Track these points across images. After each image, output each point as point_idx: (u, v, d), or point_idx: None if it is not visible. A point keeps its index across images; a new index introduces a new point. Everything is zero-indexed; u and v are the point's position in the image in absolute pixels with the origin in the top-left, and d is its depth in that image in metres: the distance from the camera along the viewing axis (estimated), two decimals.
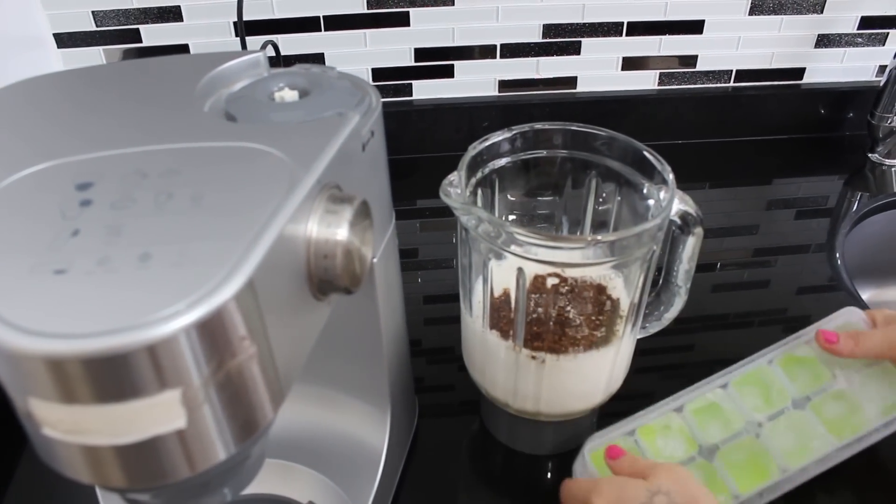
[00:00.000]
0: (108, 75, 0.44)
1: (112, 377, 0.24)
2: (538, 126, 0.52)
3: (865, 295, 0.87)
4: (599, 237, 0.45)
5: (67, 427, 0.25)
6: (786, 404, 0.49)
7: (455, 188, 0.47)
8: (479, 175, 0.51)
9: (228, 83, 0.42)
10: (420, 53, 0.91)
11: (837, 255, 0.80)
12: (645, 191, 0.50)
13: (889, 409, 0.49)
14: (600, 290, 0.52)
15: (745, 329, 0.72)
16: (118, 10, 0.84)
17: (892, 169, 0.95)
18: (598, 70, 0.95)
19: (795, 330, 0.71)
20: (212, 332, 0.25)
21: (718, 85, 0.98)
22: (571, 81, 0.96)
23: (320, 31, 0.88)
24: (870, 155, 0.96)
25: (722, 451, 0.48)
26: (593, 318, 0.51)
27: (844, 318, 0.53)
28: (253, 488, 0.36)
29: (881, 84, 0.90)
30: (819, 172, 0.97)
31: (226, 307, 0.25)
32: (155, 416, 0.25)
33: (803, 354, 0.52)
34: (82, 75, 0.44)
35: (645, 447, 0.49)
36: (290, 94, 0.40)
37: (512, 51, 0.92)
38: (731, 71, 0.97)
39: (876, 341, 0.50)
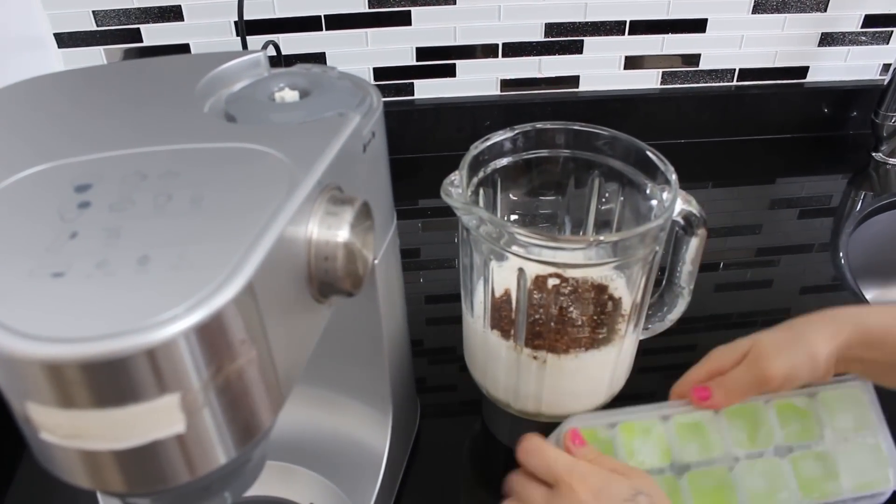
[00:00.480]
0: (108, 76, 0.44)
1: (111, 382, 0.24)
2: (540, 125, 0.52)
3: (869, 295, 0.86)
4: (602, 238, 0.45)
5: (66, 432, 0.25)
6: (768, 448, 0.49)
7: (456, 188, 0.47)
8: (480, 175, 0.51)
9: (228, 83, 0.41)
10: (422, 52, 0.91)
11: (841, 254, 0.80)
12: (648, 191, 0.50)
13: (863, 486, 0.48)
14: (602, 290, 0.52)
15: (747, 329, 0.70)
16: (119, 9, 0.84)
17: None
18: (600, 69, 0.95)
19: None
20: (211, 335, 0.25)
21: (721, 84, 0.98)
22: (574, 80, 0.96)
23: (321, 30, 0.88)
24: (874, 154, 0.96)
25: (692, 473, 0.48)
26: (595, 318, 0.51)
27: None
28: (254, 490, 0.36)
29: (885, 82, 0.89)
30: (822, 172, 0.96)
31: (225, 310, 0.25)
32: (154, 420, 0.25)
33: (801, 406, 0.51)
34: (82, 76, 0.43)
35: (620, 444, 0.49)
36: (290, 95, 0.39)
37: (514, 50, 0.92)
38: (734, 70, 0.97)
39: (742, 383, 0.47)
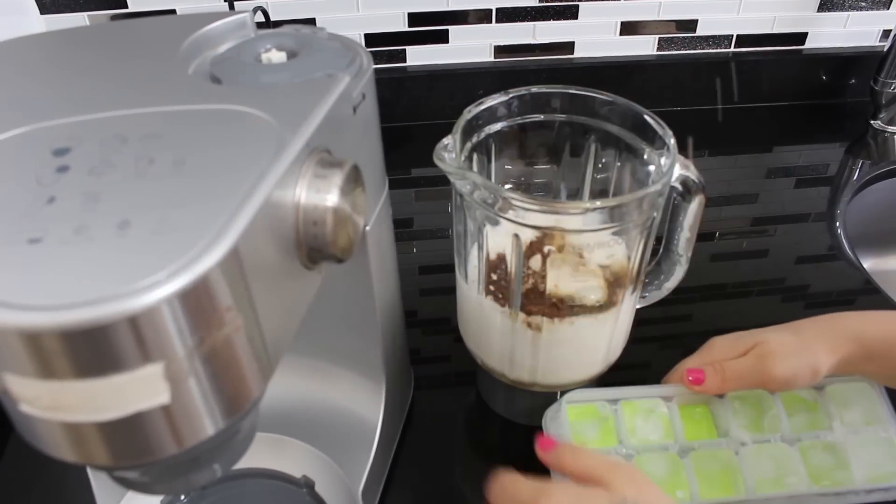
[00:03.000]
0: (90, 37, 0.42)
1: (91, 351, 0.23)
2: (535, 89, 0.51)
3: (867, 264, 0.86)
4: (598, 203, 0.44)
5: (46, 403, 0.24)
6: (775, 435, 0.49)
7: (450, 153, 0.46)
8: (474, 139, 0.50)
9: (214, 45, 0.40)
10: (414, 18, 0.89)
11: (838, 223, 0.79)
12: (645, 156, 0.49)
13: (877, 479, 0.47)
14: None
15: (743, 299, 0.71)
16: None
17: (895, 136, 0.93)
18: (595, 35, 0.93)
19: (794, 300, 0.71)
20: (195, 302, 0.24)
21: (718, 50, 0.96)
22: (569, 47, 0.94)
23: None
24: (872, 122, 0.95)
25: (696, 454, 0.47)
26: None
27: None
28: (245, 462, 0.36)
29: (885, 49, 0.88)
30: (820, 140, 0.95)
31: (209, 276, 0.24)
32: (137, 390, 0.24)
33: (808, 398, 0.51)
34: (63, 37, 0.42)
35: (623, 421, 0.49)
36: (277, 56, 0.38)
37: (508, 15, 0.90)
38: (732, 36, 0.95)
39: (742, 374, 0.47)
